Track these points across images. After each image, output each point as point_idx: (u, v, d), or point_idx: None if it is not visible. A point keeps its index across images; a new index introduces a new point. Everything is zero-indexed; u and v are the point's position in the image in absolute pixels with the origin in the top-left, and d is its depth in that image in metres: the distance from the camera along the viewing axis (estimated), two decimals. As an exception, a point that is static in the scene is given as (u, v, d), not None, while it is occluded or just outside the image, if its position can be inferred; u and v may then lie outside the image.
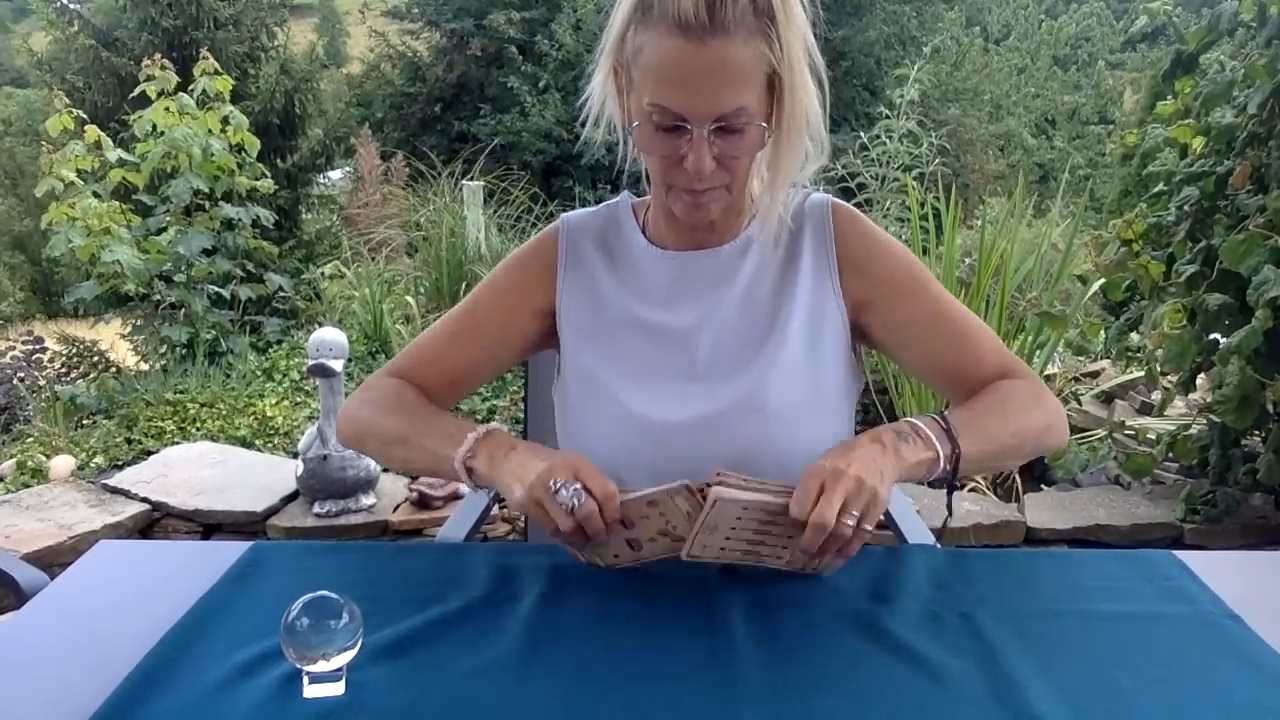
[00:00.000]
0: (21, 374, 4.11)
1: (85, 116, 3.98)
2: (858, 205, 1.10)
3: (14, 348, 4.36)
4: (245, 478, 2.91)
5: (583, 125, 1.06)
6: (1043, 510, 2.68)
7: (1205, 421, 2.61)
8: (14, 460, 3.15)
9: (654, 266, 1.13)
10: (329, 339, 2.53)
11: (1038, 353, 3.28)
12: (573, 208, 1.31)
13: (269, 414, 3.42)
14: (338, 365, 2.50)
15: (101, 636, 0.87)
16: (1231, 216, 2.31)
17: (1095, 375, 3.67)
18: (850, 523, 0.85)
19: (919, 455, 0.94)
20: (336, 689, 0.76)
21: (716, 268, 1.11)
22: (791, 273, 1.10)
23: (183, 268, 4.01)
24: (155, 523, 2.80)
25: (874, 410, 3.19)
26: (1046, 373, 3.44)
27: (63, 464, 3.08)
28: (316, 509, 2.70)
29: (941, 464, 0.95)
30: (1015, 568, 1.00)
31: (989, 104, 17.73)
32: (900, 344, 1.12)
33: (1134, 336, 2.77)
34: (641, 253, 1.14)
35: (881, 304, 1.10)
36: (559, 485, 0.88)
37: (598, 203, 1.22)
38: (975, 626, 0.86)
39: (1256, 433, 2.49)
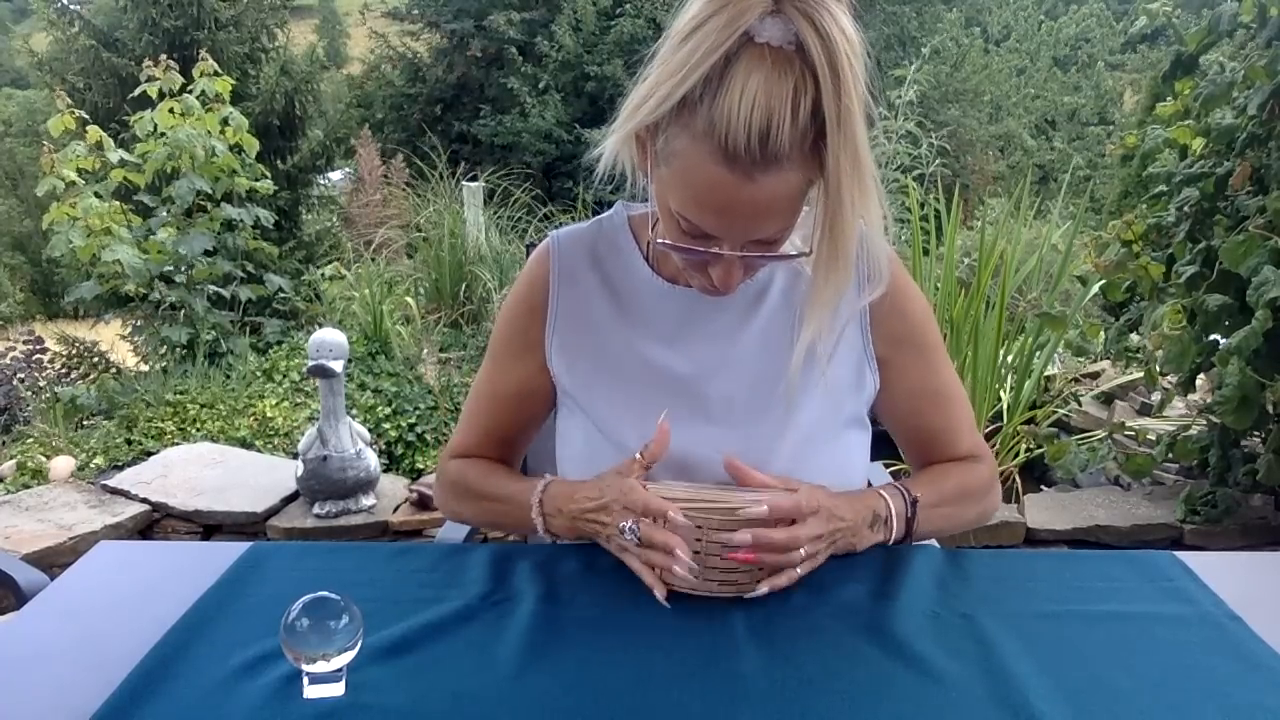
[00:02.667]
0: (21, 375, 4.11)
1: (87, 117, 3.98)
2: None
3: (14, 348, 4.36)
4: (245, 478, 2.91)
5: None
6: (1043, 511, 2.68)
7: (1205, 422, 2.61)
8: (14, 461, 3.15)
9: (661, 302, 1.05)
10: (329, 340, 2.53)
11: (1038, 353, 3.28)
12: (573, 208, 1.29)
13: (269, 415, 3.42)
14: (338, 366, 2.50)
15: (101, 636, 0.87)
16: (1231, 217, 2.31)
17: (1095, 376, 3.67)
18: (803, 555, 0.90)
19: (869, 542, 0.99)
20: (336, 689, 0.76)
21: (733, 307, 1.04)
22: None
23: (183, 268, 4.01)
24: (155, 523, 2.80)
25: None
26: (1047, 373, 3.45)
27: (63, 465, 3.08)
28: (316, 510, 2.70)
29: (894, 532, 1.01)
30: (1015, 568, 1.00)
31: (989, 105, 17.71)
32: (891, 405, 1.10)
33: (1134, 337, 2.77)
34: (646, 286, 1.06)
35: (893, 364, 1.07)
36: (622, 529, 0.90)
37: (598, 204, 1.17)
38: (975, 627, 0.86)
39: (1256, 433, 2.49)
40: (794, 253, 0.90)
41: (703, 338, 1.04)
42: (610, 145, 0.93)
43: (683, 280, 1.03)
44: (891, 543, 1.00)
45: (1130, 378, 3.36)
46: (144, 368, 4.22)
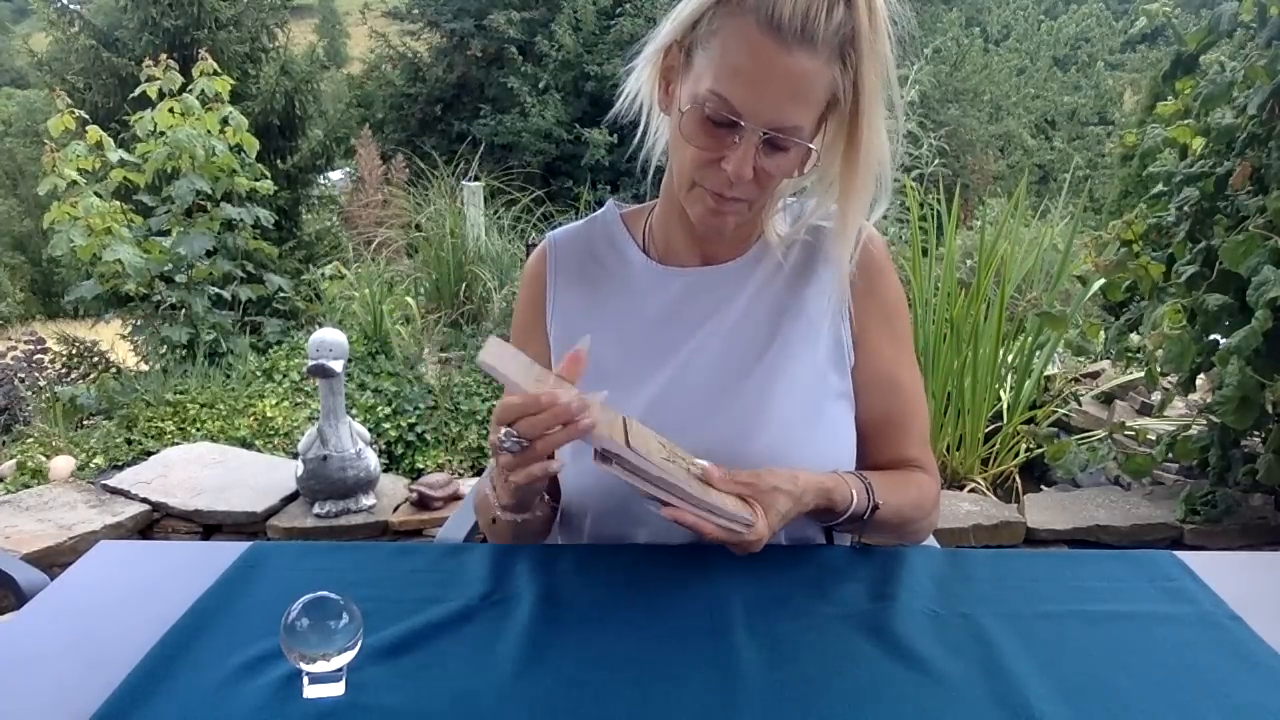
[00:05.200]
0: (22, 374, 4.11)
1: (87, 116, 3.98)
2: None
3: (14, 348, 4.36)
4: (245, 478, 2.91)
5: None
6: (1043, 511, 2.68)
7: (1205, 422, 2.61)
8: (14, 461, 3.15)
9: (654, 285, 1.09)
10: (329, 339, 2.53)
11: (1038, 353, 3.28)
12: (573, 208, 1.30)
13: (269, 414, 3.42)
14: (338, 366, 2.50)
15: (101, 636, 0.87)
16: (1231, 217, 2.31)
17: (1095, 376, 3.67)
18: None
19: (819, 483, 0.97)
20: (336, 689, 0.76)
21: (721, 284, 1.08)
22: (800, 289, 1.07)
23: (184, 268, 4.01)
24: (155, 523, 2.80)
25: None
26: (1047, 373, 3.44)
27: (63, 464, 3.08)
28: (316, 509, 2.70)
29: (854, 500, 0.99)
30: (1015, 568, 1.00)
31: (989, 105, 17.72)
32: (853, 385, 1.10)
33: (1134, 337, 2.77)
34: (640, 270, 1.11)
35: (865, 344, 1.08)
36: (501, 444, 0.85)
37: (598, 204, 1.20)
38: (975, 626, 0.86)
39: (1256, 433, 2.49)
40: (802, 152, 0.94)
41: (692, 316, 1.08)
42: (643, 57, 0.99)
43: (675, 261, 1.09)
44: (854, 500, 0.99)
45: (1130, 378, 3.37)
46: (144, 367, 4.22)
